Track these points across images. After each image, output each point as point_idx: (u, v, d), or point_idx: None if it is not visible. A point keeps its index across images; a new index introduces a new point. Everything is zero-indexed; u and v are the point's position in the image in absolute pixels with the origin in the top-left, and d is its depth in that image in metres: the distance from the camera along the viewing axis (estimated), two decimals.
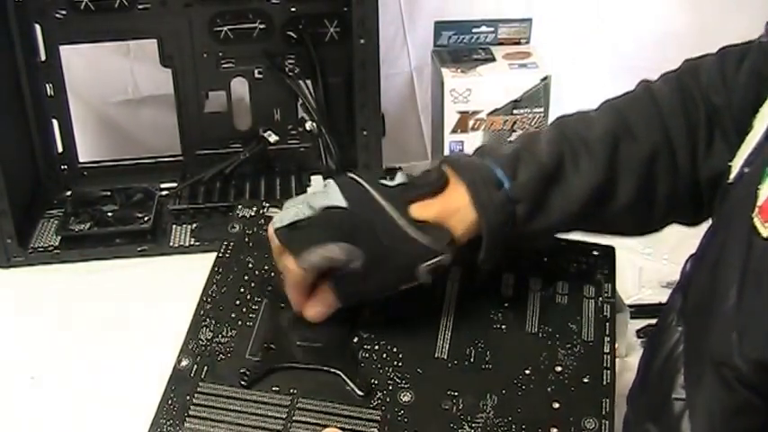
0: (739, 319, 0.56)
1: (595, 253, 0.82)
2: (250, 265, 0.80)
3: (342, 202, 0.72)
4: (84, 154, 1.26)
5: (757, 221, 0.57)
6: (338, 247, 0.71)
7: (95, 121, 1.36)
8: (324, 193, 0.74)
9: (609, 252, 0.82)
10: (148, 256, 1.13)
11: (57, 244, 1.14)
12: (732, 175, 0.67)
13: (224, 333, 0.75)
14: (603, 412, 0.70)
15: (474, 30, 1.26)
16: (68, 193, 1.21)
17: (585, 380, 0.72)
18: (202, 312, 0.77)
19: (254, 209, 0.85)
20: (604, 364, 0.73)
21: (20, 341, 1.01)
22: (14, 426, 0.90)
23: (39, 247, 1.13)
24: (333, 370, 0.72)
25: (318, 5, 1.19)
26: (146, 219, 1.15)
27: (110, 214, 1.16)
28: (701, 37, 1.27)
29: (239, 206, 0.86)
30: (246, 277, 0.79)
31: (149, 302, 1.04)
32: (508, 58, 1.24)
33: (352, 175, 0.75)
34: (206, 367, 0.73)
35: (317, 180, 1.23)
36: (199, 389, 0.71)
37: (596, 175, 0.75)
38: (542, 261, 0.81)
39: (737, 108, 0.76)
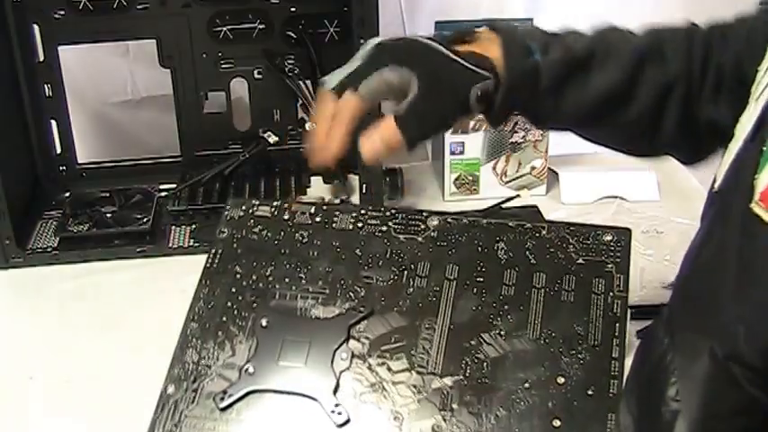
0: (745, 311, 0.56)
1: (608, 238, 0.77)
2: (238, 276, 0.77)
3: (391, 41, 0.77)
4: (83, 155, 1.26)
5: (759, 209, 0.57)
6: (392, 72, 0.75)
7: (94, 121, 1.36)
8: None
9: (623, 235, 0.77)
10: (147, 258, 1.13)
11: (55, 245, 1.13)
12: (717, 184, 0.67)
13: (210, 354, 0.73)
14: (608, 429, 0.66)
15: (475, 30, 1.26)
16: (67, 194, 1.21)
17: (590, 392, 0.68)
18: (189, 333, 0.75)
19: (243, 208, 0.82)
20: (612, 371, 0.69)
21: (18, 342, 1.01)
22: (13, 426, 0.90)
23: (37, 248, 1.13)
24: (312, 397, 0.69)
25: (318, 5, 1.19)
26: (145, 220, 1.14)
27: (108, 215, 1.16)
28: None
29: (227, 207, 0.83)
30: (234, 290, 0.77)
31: (148, 303, 1.04)
32: None
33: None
34: (194, 393, 0.71)
35: (317, 180, 1.23)
36: (186, 417, 0.69)
37: (617, 80, 0.79)
38: (548, 252, 0.76)
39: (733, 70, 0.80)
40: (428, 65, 0.76)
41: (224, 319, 0.75)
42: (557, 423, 0.66)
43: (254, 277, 0.77)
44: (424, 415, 0.68)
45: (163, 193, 1.20)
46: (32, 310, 1.05)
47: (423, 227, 0.79)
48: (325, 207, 0.80)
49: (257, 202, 0.82)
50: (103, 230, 1.14)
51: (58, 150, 1.23)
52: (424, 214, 0.80)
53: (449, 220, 0.79)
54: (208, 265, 0.79)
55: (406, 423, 0.67)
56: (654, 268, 1.08)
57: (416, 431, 0.67)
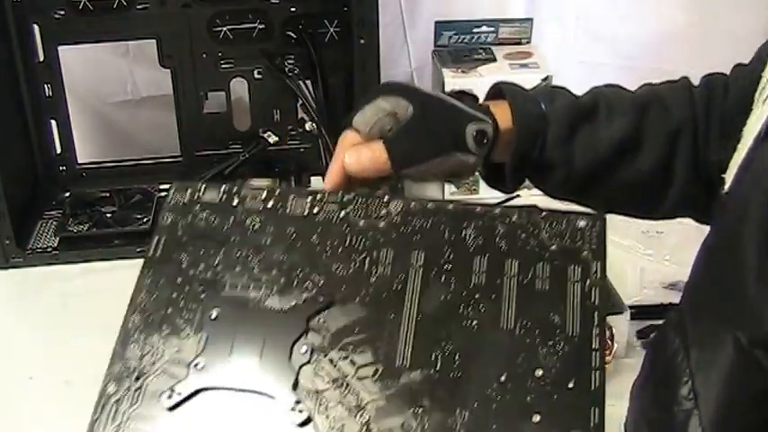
0: None
1: (581, 224, 0.70)
2: (184, 265, 0.71)
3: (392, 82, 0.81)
4: (83, 155, 1.26)
5: None
6: (385, 100, 0.75)
7: (94, 121, 1.36)
8: None
9: (597, 221, 0.71)
10: None
11: (55, 245, 1.13)
12: (727, 185, 0.68)
13: (155, 349, 0.67)
14: (592, 424, 0.61)
15: (475, 30, 1.26)
16: (67, 194, 1.21)
17: (570, 385, 0.62)
18: (130, 326, 0.69)
19: (189, 192, 0.75)
20: (593, 364, 0.63)
21: (18, 342, 1.01)
22: (13, 426, 0.90)
23: (37, 248, 1.13)
24: (268, 394, 0.64)
25: (318, 5, 1.19)
26: (145, 220, 1.14)
27: (108, 215, 1.16)
28: (701, 37, 1.27)
29: (172, 190, 0.75)
30: (180, 280, 0.71)
31: None
32: (509, 58, 1.24)
33: None
34: (137, 392, 0.66)
35: (317, 180, 1.23)
36: (128, 418, 0.65)
37: (624, 130, 0.79)
38: (519, 239, 0.70)
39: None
40: (425, 97, 0.76)
41: (169, 311, 0.69)
42: (536, 418, 0.61)
43: (201, 266, 0.71)
44: (392, 412, 0.63)
45: (163, 193, 1.20)
46: (32, 310, 1.05)
47: (384, 212, 0.73)
48: (278, 192, 0.75)
49: (204, 186, 0.76)
50: (103, 230, 1.14)
51: (58, 150, 1.23)
52: (386, 198, 0.74)
53: (411, 204, 0.74)
54: (150, 254, 0.72)
55: (373, 421, 0.62)
56: (654, 268, 1.08)
57: (385, 430, 0.62)
